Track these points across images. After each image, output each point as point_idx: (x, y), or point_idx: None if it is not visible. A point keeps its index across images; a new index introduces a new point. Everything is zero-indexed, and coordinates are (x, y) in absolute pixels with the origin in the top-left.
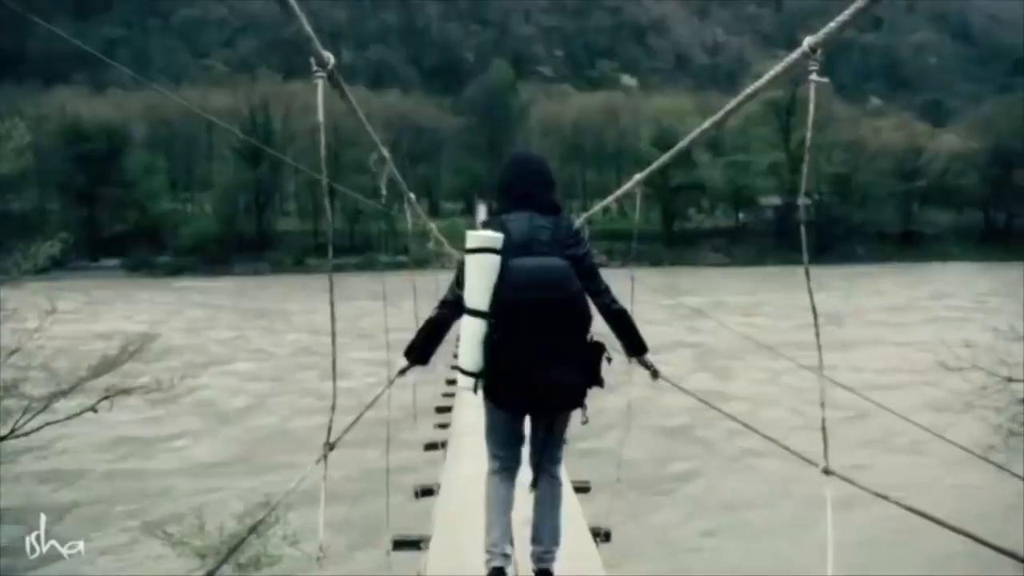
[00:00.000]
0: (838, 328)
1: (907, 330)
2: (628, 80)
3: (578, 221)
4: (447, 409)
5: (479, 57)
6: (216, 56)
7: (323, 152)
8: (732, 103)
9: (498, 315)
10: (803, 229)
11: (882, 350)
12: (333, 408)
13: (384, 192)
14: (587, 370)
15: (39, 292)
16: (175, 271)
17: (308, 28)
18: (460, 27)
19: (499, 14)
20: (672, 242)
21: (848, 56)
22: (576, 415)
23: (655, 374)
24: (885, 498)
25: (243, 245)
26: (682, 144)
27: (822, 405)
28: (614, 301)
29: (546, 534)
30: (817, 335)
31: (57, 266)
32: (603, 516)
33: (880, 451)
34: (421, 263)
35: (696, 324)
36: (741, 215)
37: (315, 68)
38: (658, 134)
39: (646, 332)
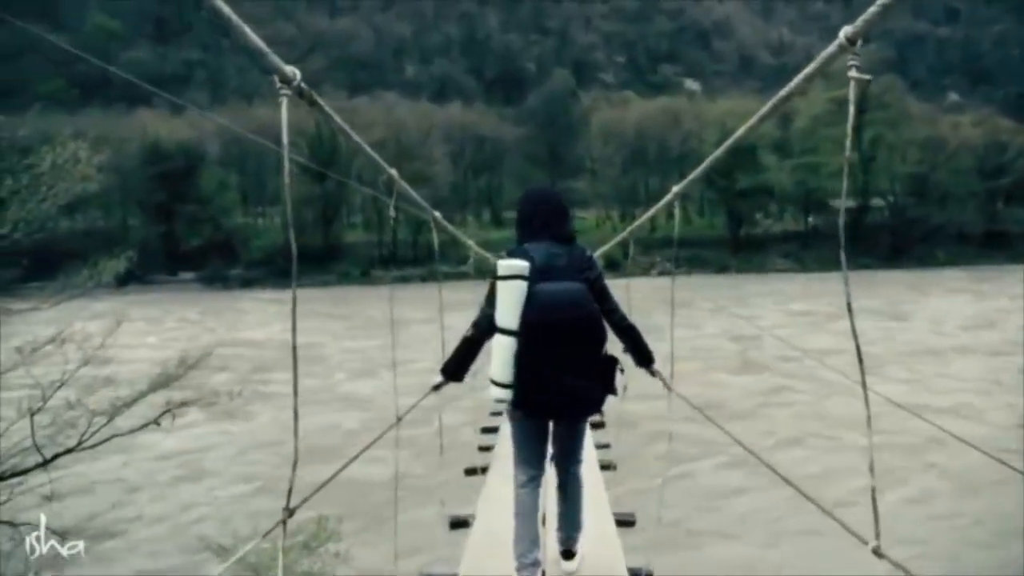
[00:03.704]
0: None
1: None
2: (691, 84)
3: (598, 251)
4: (494, 429)
5: (540, 66)
6: None
7: (286, 174)
8: (766, 107)
9: (526, 333)
10: (842, 234)
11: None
12: (295, 467)
13: (393, 214)
14: (602, 380)
15: (136, 304)
16: (246, 283)
17: (259, 42)
18: (521, 37)
19: (559, 22)
20: (739, 248)
21: (924, 50)
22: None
23: (653, 374)
24: None
25: (310, 257)
26: (717, 153)
27: (871, 470)
28: (624, 318)
29: (569, 522)
30: (864, 387)
31: (137, 280)
32: (643, 553)
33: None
34: (482, 274)
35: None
36: (811, 219)
37: (278, 85)
38: (722, 138)
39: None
